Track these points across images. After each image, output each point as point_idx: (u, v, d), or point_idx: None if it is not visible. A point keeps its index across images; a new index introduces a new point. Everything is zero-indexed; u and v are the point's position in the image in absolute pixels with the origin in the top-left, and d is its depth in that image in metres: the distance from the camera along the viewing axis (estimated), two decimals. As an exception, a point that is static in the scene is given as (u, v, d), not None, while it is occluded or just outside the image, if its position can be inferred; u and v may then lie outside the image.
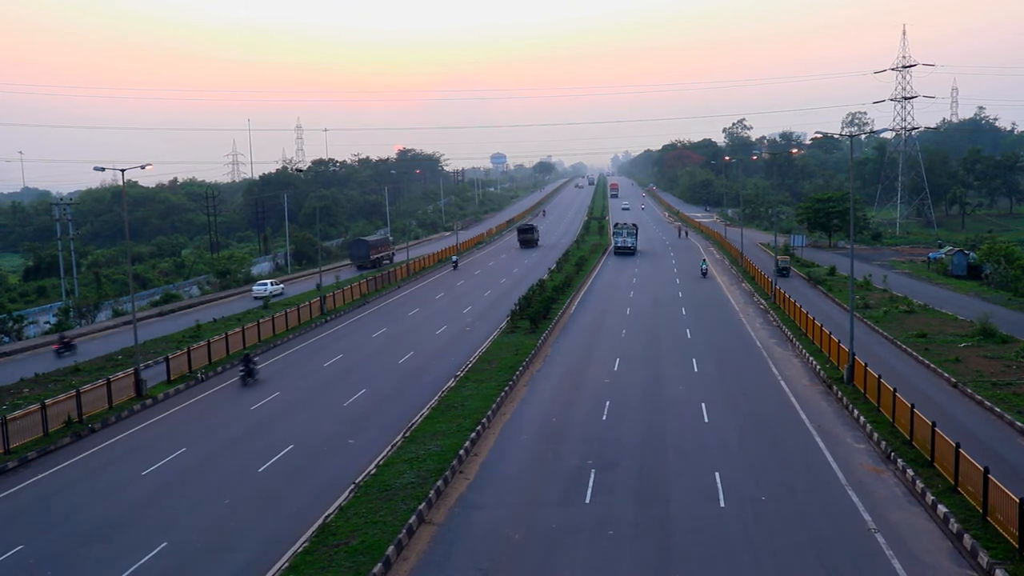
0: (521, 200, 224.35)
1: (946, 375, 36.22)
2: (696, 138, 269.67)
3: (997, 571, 18.58)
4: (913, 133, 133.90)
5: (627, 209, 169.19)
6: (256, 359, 41.71)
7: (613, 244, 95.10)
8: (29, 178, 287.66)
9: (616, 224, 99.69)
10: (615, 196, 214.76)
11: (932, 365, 38.08)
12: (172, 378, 38.81)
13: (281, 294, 69.23)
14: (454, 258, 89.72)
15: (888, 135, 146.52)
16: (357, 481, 25.01)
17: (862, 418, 30.26)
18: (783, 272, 69.25)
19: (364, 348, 46.62)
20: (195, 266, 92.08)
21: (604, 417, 31.75)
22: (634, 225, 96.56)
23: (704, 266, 74.34)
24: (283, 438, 30.12)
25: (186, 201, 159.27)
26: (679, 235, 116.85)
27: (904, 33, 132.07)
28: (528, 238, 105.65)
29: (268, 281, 71.05)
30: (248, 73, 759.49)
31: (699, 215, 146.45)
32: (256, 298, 67.20)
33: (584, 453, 27.71)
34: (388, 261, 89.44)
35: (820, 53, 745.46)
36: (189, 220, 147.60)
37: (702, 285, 68.92)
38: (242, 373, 39.61)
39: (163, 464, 27.80)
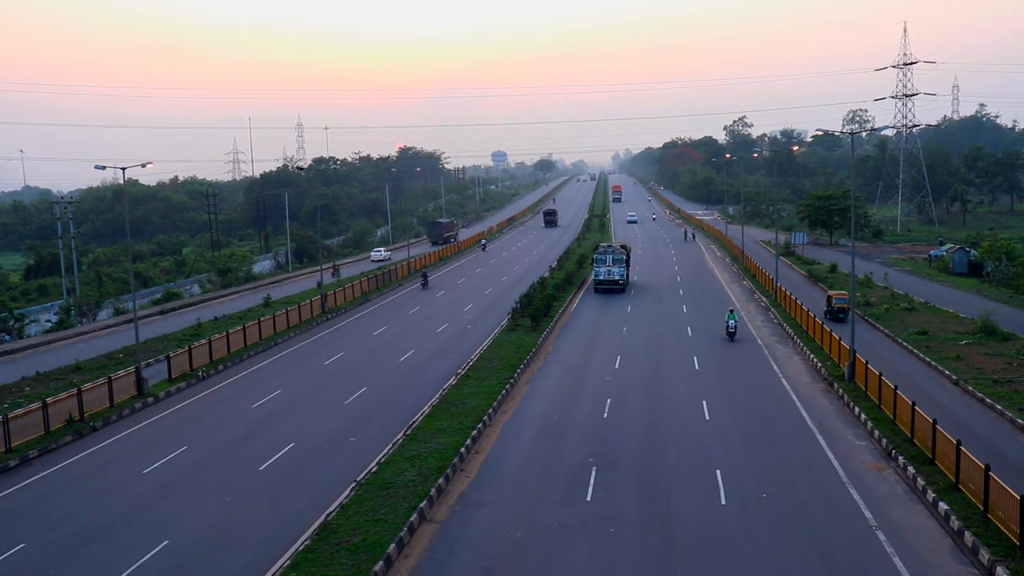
0: (523, 198, 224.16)
1: (947, 372, 36.21)
2: (697, 136, 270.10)
3: (998, 568, 18.58)
4: (914, 130, 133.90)
5: (634, 221, 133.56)
6: (428, 273, 74.43)
7: (593, 276, 65.21)
8: (30, 177, 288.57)
9: (598, 248, 66.04)
10: (618, 200, 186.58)
11: (933, 363, 38.07)
12: (173, 376, 38.82)
13: (389, 259, 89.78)
14: (483, 241, 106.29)
15: (889, 132, 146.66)
16: (358, 479, 25.03)
17: (863, 416, 30.26)
18: (839, 315, 49.34)
19: (365, 346, 46.63)
20: (196, 264, 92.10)
21: (605, 415, 31.76)
22: (623, 247, 65.89)
23: (733, 321, 45.57)
24: (284, 436, 30.14)
25: (187, 199, 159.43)
26: (685, 238, 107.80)
27: (905, 30, 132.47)
28: (551, 219, 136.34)
29: (382, 248, 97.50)
30: (249, 71, 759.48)
31: (700, 213, 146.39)
32: (374, 261, 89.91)
33: (585, 451, 27.71)
34: (454, 238, 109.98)
35: (821, 50, 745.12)
36: (190, 218, 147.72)
37: (703, 282, 68.94)
38: (421, 282, 70.88)
39: (164, 462, 27.81)
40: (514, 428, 30.57)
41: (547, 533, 21.52)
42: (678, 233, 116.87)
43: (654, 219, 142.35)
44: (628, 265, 65.88)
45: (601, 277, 63.37)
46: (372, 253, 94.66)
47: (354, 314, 58.52)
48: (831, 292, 52.57)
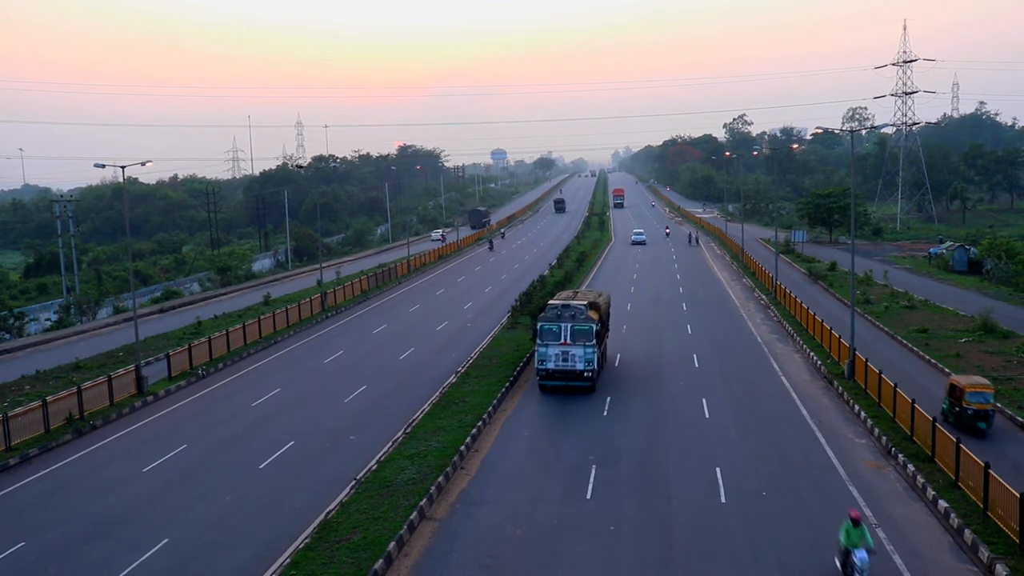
0: (523, 196, 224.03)
1: (947, 370, 36.17)
2: (697, 134, 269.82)
3: (998, 566, 18.60)
4: (914, 128, 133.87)
5: (641, 242, 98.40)
6: (493, 241, 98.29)
7: (536, 362, 34.72)
8: (29, 175, 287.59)
9: (546, 309, 35.82)
10: (619, 206, 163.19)
11: (933, 360, 38.07)
12: (173, 375, 38.81)
13: (444, 240, 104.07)
14: (502, 230, 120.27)
15: (889, 130, 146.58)
16: (358, 477, 25.03)
17: (863, 413, 30.27)
18: (978, 424, 27.71)
19: (365, 344, 46.62)
20: (196, 263, 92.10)
21: (605, 413, 31.75)
22: (591, 306, 35.65)
23: (863, 556, 17.79)
24: (284, 435, 30.13)
25: (187, 198, 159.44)
26: (690, 241, 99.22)
27: (905, 28, 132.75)
28: (560, 207, 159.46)
29: (439, 230, 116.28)
30: (248, 70, 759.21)
31: (699, 211, 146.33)
32: (433, 240, 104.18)
33: (585, 449, 27.70)
34: (488, 223, 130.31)
35: (821, 48, 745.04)
36: (190, 217, 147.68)
37: (702, 278, 68.96)
38: (488, 245, 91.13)
39: (164, 461, 27.81)
40: (514, 426, 30.57)
41: (547, 531, 21.52)
42: (679, 232, 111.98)
43: (668, 234, 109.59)
44: (602, 338, 36.70)
45: (549, 366, 33.85)
46: (432, 233, 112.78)
47: (354, 312, 58.50)
48: (959, 379, 28.52)
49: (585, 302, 35.61)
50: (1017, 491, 19.31)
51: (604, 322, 37.74)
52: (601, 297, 38.88)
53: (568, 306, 34.61)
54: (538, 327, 34.36)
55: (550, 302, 36.70)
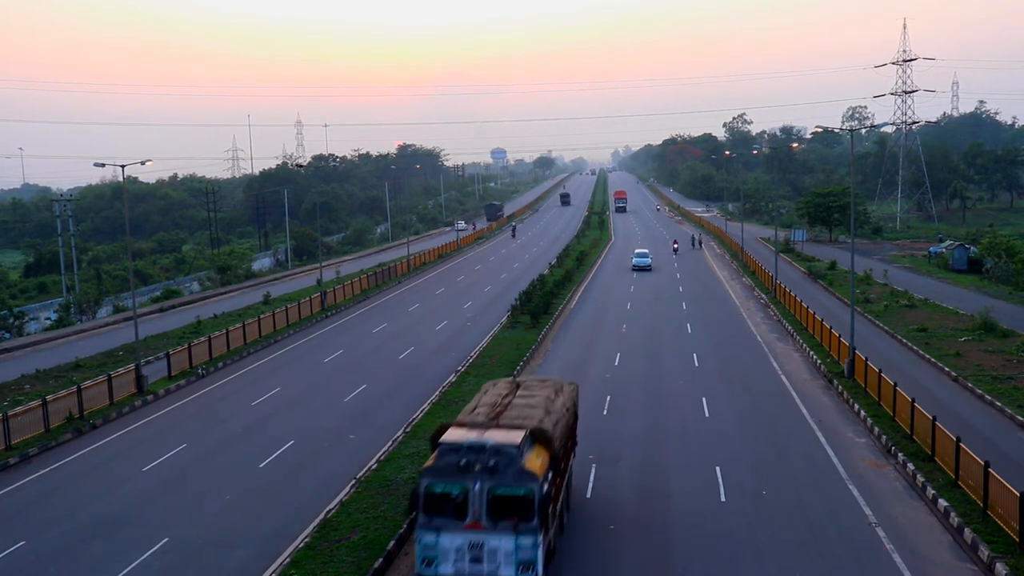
0: (523, 195, 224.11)
1: (947, 369, 36.23)
2: (696, 133, 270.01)
3: (997, 565, 18.60)
4: (914, 127, 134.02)
5: (645, 267, 74.92)
6: (517, 226, 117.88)
7: (418, 561, 16.93)
8: (29, 174, 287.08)
9: (442, 454, 17.10)
10: (622, 210, 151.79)
11: (933, 359, 38.08)
12: (173, 374, 38.80)
13: (474, 227, 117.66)
14: (513, 224, 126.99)
15: (889, 129, 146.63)
16: (358, 476, 25.03)
17: (863, 412, 30.29)
18: None
19: (364, 344, 46.62)
20: (196, 262, 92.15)
21: (605, 412, 31.77)
22: (532, 439, 17.88)
23: None
24: (284, 434, 30.12)
25: (186, 197, 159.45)
26: (693, 244, 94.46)
27: (904, 27, 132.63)
28: (566, 200, 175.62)
29: (462, 221, 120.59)
30: (248, 69, 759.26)
31: (699, 210, 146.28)
32: (457, 231, 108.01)
33: (585, 448, 27.65)
34: (502, 216, 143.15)
35: (820, 47, 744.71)
36: (189, 216, 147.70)
37: (702, 277, 68.90)
38: (511, 232, 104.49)
39: (164, 460, 27.80)
40: (514, 425, 30.49)
41: (547, 530, 21.49)
42: (686, 239, 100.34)
43: (676, 248, 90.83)
44: (556, 499, 18.64)
45: (444, 572, 16.64)
46: (456, 224, 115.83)
47: (353, 311, 58.50)
48: None
49: (519, 436, 17.60)
50: (1017, 490, 19.31)
51: (560, 455, 19.27)
52: (556, 402, 20.74)
53: (483, 447, 17.06)
54: (422, 489, 17.02)
55: (447, 436, 17.87)
